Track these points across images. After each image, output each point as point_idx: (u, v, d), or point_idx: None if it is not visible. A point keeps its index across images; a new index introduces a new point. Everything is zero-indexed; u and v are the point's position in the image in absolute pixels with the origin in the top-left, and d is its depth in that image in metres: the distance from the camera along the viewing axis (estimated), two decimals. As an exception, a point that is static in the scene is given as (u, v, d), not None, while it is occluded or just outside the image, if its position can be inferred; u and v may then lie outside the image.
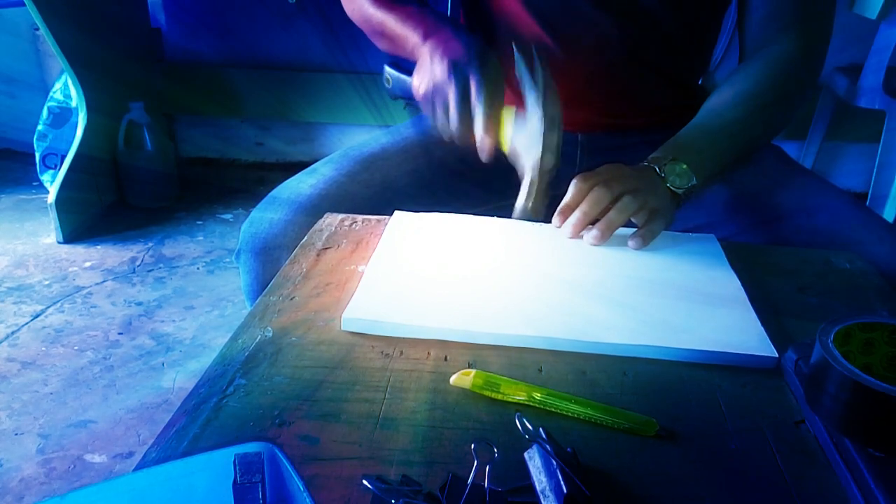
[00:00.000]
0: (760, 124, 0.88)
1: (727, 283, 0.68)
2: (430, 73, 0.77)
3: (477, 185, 0.94)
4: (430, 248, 0.72)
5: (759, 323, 0.61)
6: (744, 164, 0.88)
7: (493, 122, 0.74)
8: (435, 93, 0.76)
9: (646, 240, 0.73)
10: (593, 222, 0.74)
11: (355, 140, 1.01)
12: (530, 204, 0.76)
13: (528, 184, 0.76)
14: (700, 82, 1.06)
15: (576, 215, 0.74)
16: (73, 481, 1.26)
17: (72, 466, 1.30)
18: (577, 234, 0.74)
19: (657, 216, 0.74)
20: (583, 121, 0.95)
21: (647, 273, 0.69)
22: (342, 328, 0.59)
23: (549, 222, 0.76)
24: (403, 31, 0.85)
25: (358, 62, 2.30)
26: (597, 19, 0.88)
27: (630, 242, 0.73)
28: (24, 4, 1.86)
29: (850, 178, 2.33)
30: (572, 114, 0.95)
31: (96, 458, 1.32)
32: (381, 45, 0.94)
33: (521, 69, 0.75)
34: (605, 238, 0.73)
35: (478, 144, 0.76)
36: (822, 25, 0.89)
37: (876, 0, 1.80)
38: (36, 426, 1.39)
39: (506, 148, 0.76)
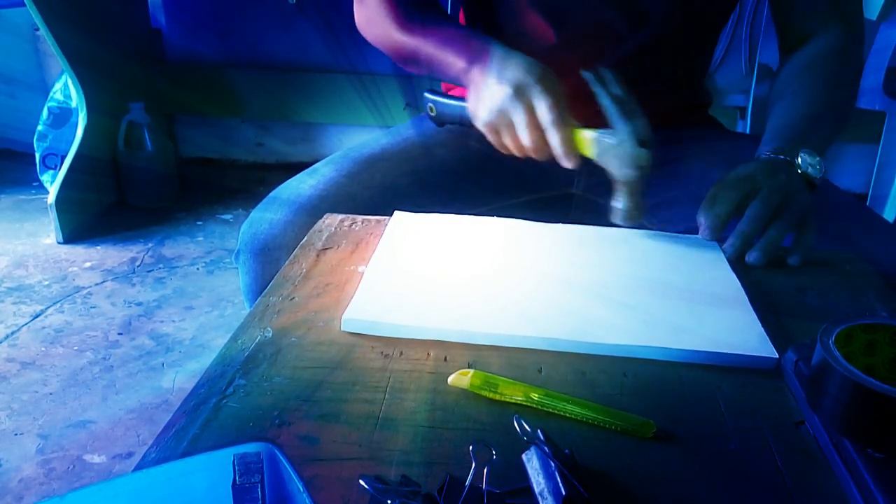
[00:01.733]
0: (842, 104, 0.89)
1: (727, 283, 0.68)
2: (489, 98, 0.75)
3: (477, 185, 0.94)
4: (430, 249, 0.72)
5: (759, 323, 0.61)
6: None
7: (570, 141, 0.74)
8: (499, 118, 0.75)
9: (804, 255, 0.72)
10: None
11: (355, 140, 1.01)
12: (629, 209, 0.75)
13: (620, 193, 0.75)
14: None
15: (739, 236, 0.72)
16: (72, 481, 1.26)
17: (71, 467, 1.30)
18: (736, 256, 0.72)
19: (809, 226, 0.73)
20: (583, 120, 0.95)
21: (647, 273, 0.69)
22: (342, 329, 0.59)
23: (641, 227, 0.77)
24: (444, 57, 0.83)
25: (358, 62, 2.30)
26: (600, 19, 0.88)
27: (790, 260, 0.72)
28: (24, 4, 1.86)
29: (850, 178, 2.33)
30: (572, 113, 0.95)
31: (96, 459, 1.32)
32: (414, 70, 0.93)
33: (598, 91, 0.75)
34: (765, 261, 0.71)
35: (560, 161, 0.75)
36: (858, 18, 0.93)
37: (876, 1, 1.80)
38: (35, 426, 1.39)
39: (591, 155, 0.75)
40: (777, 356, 0.56)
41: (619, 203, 0.75)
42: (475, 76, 0.78)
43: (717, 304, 0.64)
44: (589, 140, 0.74)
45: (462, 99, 0.86)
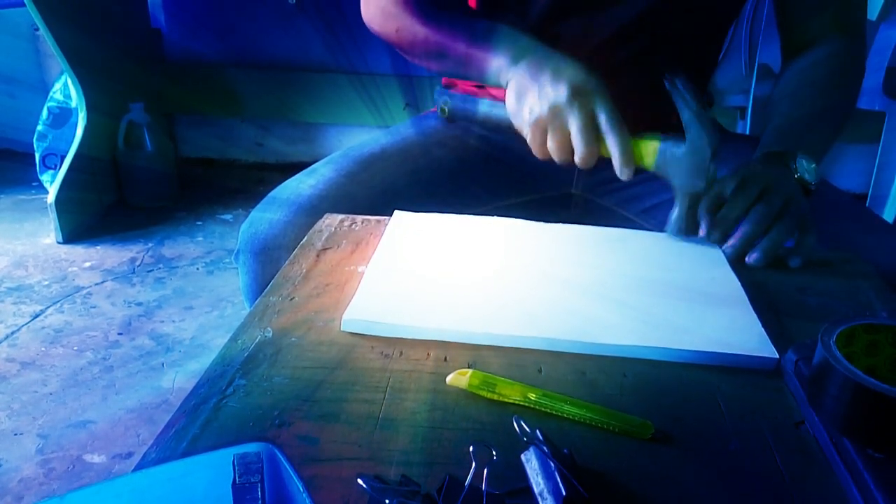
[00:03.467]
0: (841, 110, 0.89)
1: (727, 283, 0.68)
2: (543, 98, 0.73)
3: (477, 185, 0.94)
4: (430, 249, 0.72)
5: (759, 323, 0.61)
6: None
7: (630, 149, 0.72)
8: (551, 119, 0.73)
9: (805, 257, 0.72)
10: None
11: (355, 140, 1.01)
12: (684, 223, 0.75)
13: (682, 205, 0.75)
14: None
15: (741, 237, 0.72)
16: (72, 481, 1.26)
17: (71, 467, 1.30)
18: (738, 256, 0.72)
19: (809, 228, 0.73)
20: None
21: (647, 273, 0.69)
22: (342, 329, 0.59)
23: (696, 235, 0.76)
24: (480, 53, 0.80)
25: (358, 62, 2.30)
26: (600, 17, 0.88)
27: (791, 262, 0.72)
28: (24, 4, 1.86)
29: (850, 179, 2.33)
30: None
31: (96, 459, 1.32)
32: (438, 66, 0.89)
33: (677, 100, 0.73)
34: (767, 262, 0.71)
35: (616, 170, 0.73)
36: (861, 28, 0.94)
37: (876, 1, 1.80)
38: (35, 426, 1.39)
39: (650, 165, 0.74)
40: (777, 356, 0.56)
41: (677, 214, 0.75)
42: (519, 74, 0.75)
43: (717, 304, 0.64)
44: (652, 149, 0.73)
45: (475, 97, 0.84)
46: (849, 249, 0.77)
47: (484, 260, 0.70)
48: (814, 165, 0.78)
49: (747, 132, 2.05)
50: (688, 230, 0.75)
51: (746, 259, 0.72)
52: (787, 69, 0.93)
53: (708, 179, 0.72)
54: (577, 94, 0.71)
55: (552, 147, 0.74)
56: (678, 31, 0.91)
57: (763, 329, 0.60)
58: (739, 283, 0.67)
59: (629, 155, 0.71)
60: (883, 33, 1.84)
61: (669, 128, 0.97)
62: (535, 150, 0.76)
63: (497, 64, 0.78)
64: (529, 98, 0.74)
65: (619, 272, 0.69)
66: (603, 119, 0.71)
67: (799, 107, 0.87)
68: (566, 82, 0.72)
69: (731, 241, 0.73)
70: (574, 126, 0.71)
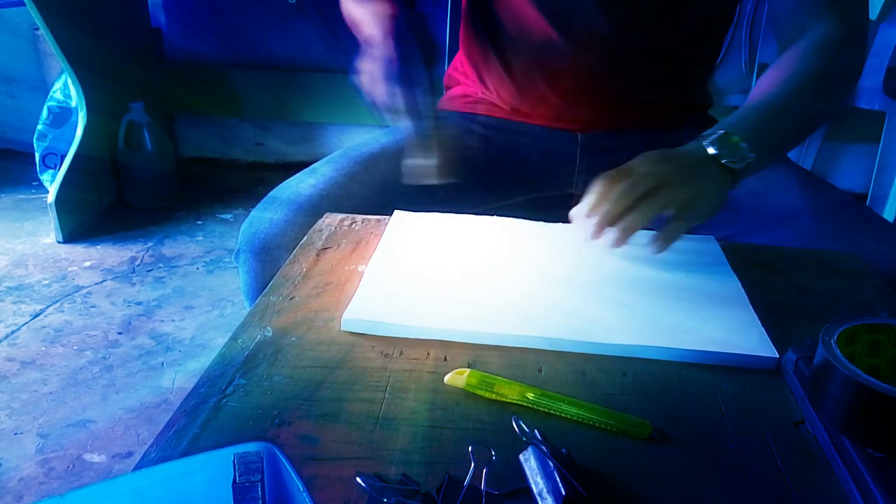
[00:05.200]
0: (813, 101, 0.83)
1: (727, 283, 0.68)
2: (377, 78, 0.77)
3: (477, 185, 0.94)
4: (430, 248, 0.72)
5: (759, 323, 0.61)
6: (801, 143, 0.86)
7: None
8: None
9: (662, 243, 0.68)
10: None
11: (355, 140, 1.01)
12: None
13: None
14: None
15: (600, 217, 0.67)
16: (72, 481, 1.26)
17: (71, 466, 1.30)
18: (597, 237, 0.67)
19: (685, 214, 0.67)
20: (583, 119, 0.95)
21: (647, 273, 0.69)
22: (342, 328, 0.59)
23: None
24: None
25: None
26: (600, 17, 0.88)
27: (649, 248, 0.69)
28: (24, 4, 1.86)
29: (850, 178, 2.33)
30: (572, 112, 0.95)
31: (95, 458, 1.32)
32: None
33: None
34: (623, 243, 0.67)
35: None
36: (855, 7, 0.87)
37: (876, 1, 1.80)
38: (35, 426, 1.39)
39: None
40: (777, 355, 0.56)
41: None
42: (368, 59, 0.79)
43: (717, 303, 0.64)
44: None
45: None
46: (849, 249, 0.76)
47: (484, 260, 0.70)
48: (743, 146, 0.71)
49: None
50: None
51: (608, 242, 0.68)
52: (773, 64, 0.89)
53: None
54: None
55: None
56: (668, 34, 0.91)
57: (763, 328, 0.60)
58: (739, 284, 0.67)
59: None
60: (883, 33, 1.84)
61: (667, 126, 0.97)
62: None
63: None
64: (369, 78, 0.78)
65: (619, 272, 0.69)
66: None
67: (765, 95, 0.81)
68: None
69: (587, 222, 0.68)
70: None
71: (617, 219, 0.66)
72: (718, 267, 0.71)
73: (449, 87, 1.08)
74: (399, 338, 0.58)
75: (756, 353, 0.56)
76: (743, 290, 0.66)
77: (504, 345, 0.58)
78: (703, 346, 0.57)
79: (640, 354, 0.57)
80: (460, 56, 1.06)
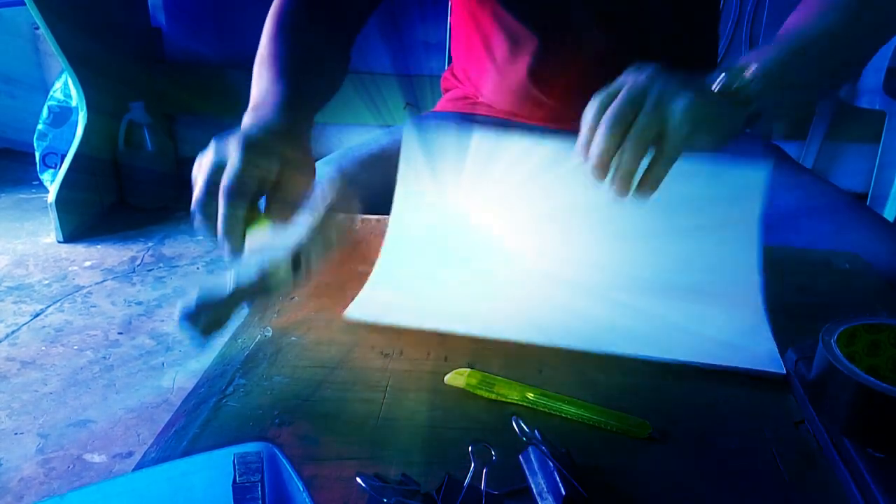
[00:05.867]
0: (853, 29, 0.70)
1: (746, 281, 0.64)
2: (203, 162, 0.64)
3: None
4: (445, 215, 0.70)
5: (770, 334, 0.59)
6: (844, 81, 0.73)
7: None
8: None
9: (647, 188, 0.57)
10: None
11: (355, 140, 1.01)
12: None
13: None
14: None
15: (592, 159, 0.57)
16: (72, 481, 1.26)
17: (71, 466, 1.30)
18: (602, 180, 0.58)
19: (673, 140, 0.56)
20: (577, 118, 0.95)
21: (660, 273, 0.66)
22: (346, 317, 0.59)
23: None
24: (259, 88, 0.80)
25: (358, 61, 2.29)
26: (593, 13, 0.88)
27: (635, 193, 0.58)
28: (24, 4, 1.86)
29: (850, 178, 2.33)
30: (566, 111, 0.95)
31: (96, 458, 1.32)
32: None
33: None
34: (626, 193, 0.57)
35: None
36: None
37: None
38: (35, 426, 1.39)
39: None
40: (785, 371, 0.55)
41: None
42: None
43: (729, 306, 0.62)
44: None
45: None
46: (849, 249, 0.76)
47: (498, 243, 0.69)
48: (754, 67, 0.61)
49: (748, 130, 2.05)
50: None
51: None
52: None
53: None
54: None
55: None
56: (661, 20, 0.90)
57: (774, 342, 0.58)
58: (760, 282, 0.64)
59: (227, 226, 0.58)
60: (883, 33, 1.84)
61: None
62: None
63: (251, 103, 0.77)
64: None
65: (631, 269, 0.67)
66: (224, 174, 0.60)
67: (787, 32, 0.69)
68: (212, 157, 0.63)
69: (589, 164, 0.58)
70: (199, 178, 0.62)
71: (611, 157, 0.57)
72: (743, 256, 0.65)
73: (447, 90, 1.09)
74: (399, 338, 0.58)
75: (763, 368, 0.55)
76: (760, 292, 0.63)
77: (506, 338, 0.57)
78: (708, 359, 0.56)
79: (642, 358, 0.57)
80: (455, 63, 1.07)
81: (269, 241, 0.58)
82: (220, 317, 0.52)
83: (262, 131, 0.66)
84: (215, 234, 0.58)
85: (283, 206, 0.60)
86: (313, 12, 0.85)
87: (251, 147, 0.61)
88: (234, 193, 0.57)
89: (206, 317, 0.51)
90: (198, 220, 0.59)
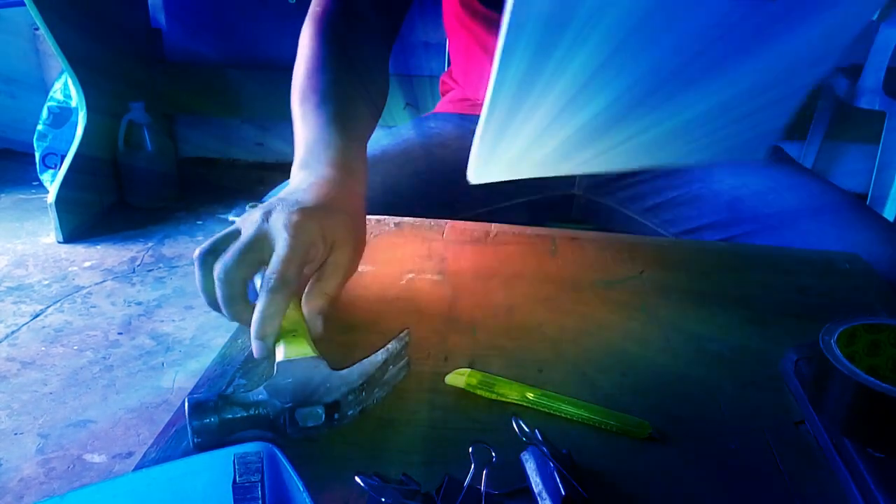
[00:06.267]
0: None
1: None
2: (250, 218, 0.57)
3: (478, 186, 0.94)
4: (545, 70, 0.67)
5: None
6: None
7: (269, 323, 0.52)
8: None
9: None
10: None
11: (355, 140, 1.00)
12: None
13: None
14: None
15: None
16: (72, 481, 1.26)
17: (71, 466, 1.30)
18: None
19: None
20: None
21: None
22: (471, 181, 0.62)
23: None
24: (306, 128, 0.74)
25: (358, 62, 2.30)
26: None
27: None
28: (24, 4, 1.86)
29: (850, 178, 2.33)
30: None
31: (96, 458, 1.32)
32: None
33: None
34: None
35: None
36: None
37: (876, 1, 1.80)
38: (35, 426, 1.39)
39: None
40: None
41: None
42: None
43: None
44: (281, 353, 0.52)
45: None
46: (849, 249, 0.77)
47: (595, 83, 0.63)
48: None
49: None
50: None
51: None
52: None
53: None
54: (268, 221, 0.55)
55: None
56: None
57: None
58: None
59: (263, 329, 0.52)
60: (883, 33, 1.84)
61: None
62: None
63: (298, 153, 0.72)
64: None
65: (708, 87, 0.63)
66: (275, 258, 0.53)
67: None
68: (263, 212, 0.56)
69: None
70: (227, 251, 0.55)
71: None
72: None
73: (447, 93, 1.09)
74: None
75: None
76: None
77: (618, 169, 0.56)
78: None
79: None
80: (454, 66, 1.07)
81: (305, 359, 0.50)
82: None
83: (316, 198, 0.58)
84: (247, 326, 0.52)
85: (322, 295, 0.55)
86: (353, 23, 0.79)
87: (301, 227, 0.54)
88: (277, 288, 0.51)
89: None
90: (228, 315, 0.53)
